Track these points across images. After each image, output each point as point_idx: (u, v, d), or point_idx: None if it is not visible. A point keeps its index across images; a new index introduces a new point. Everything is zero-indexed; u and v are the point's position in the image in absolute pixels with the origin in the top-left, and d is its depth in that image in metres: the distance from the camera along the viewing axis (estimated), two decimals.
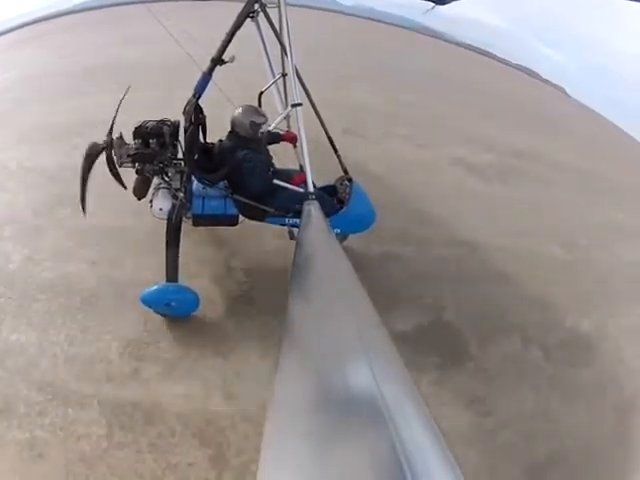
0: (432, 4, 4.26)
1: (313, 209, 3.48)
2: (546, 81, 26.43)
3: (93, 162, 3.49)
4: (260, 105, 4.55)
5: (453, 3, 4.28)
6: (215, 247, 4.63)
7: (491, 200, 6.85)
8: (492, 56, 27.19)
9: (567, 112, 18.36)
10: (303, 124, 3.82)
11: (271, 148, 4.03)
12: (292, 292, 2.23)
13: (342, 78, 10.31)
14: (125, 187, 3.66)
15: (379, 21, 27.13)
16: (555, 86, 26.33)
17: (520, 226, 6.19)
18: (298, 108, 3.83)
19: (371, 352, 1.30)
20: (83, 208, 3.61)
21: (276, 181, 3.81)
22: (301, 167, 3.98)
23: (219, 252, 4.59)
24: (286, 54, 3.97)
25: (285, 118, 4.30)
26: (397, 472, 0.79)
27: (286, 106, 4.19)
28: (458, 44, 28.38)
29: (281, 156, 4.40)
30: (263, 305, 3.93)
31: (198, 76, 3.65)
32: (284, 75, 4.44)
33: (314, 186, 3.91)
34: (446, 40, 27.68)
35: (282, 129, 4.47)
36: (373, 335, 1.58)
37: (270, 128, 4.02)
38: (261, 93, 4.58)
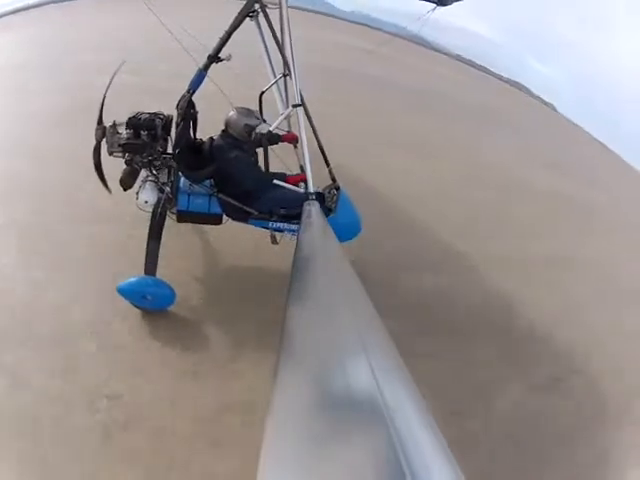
0: (434, 5, 4.37)
1: (313, 210, 3.57)
2: (537, 97, 27.24)
3: (100, 148, 3.57)
4: (261, 106, 4.63)
5: (454, 4, 4.40)
6: (206, 243, 4.74)
7: None
8: (485, 70, 27.91)
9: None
10: (304, 125, 3.96)
11: (271, 148, 4.09)
12: (291, 292, 2.29)
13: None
14: (107, 187, 3.71)
15: (373, 28, 27.61)
16: (545, 103, 27.17)
17: None
18: (299, 109, 3.95)
19: (371, 352, 1.32)
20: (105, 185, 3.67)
21: (276, 181, 3.90)
22: (301, 167, 4.04)
23: (211, 249, 4.70)
24: (283, 55, 4.11)
25: (286, 118, 4.36)
26: (397, 472, 0.80)
27: (287, 106, 4.24)
28: (449, 55, 29.06)
29: (282, 157, 4.48)
30: (261, 302, 4.02)
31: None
32: (285, 75, 4.50)
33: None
34: (438, 51, 28.34)
35: (283, 129, 4.53)
36: (373, 335, 1.61)
37: (271, 128, 4.11)
38: (262, 93, 4.69)
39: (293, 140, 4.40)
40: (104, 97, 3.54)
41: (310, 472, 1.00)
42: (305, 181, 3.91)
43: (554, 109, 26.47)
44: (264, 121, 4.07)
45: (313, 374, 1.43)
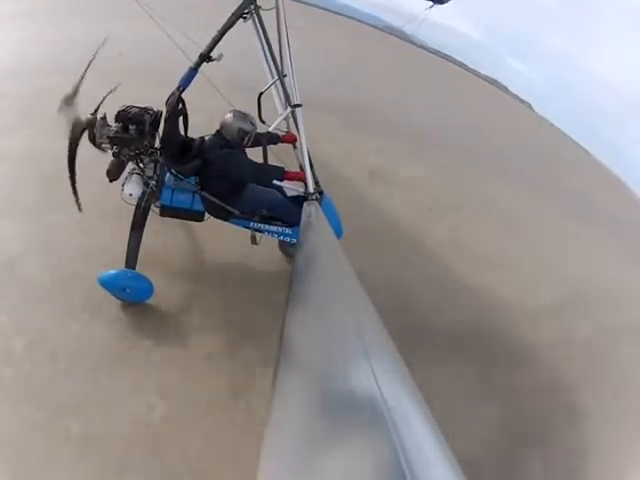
0: (430, 3, 4.53)
1: (314, 210, 3.77)
2: (514, 96, 28.23)
3: (77, 143, 3.69)
4: (260, 106, 4.88)
5: (450, 3, 4.53)
6: (192, 238, 4.98)
7: None
8: (464, 66, 28.64)
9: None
10: (303, 125, 4.19)
11: (271, 148, 4.32)
12: (292, 292, 2.42)
13: None
14: (73, 179, 3.78)
15: (351, 18, 27.77)
16: (522, 101, 28.21)
17: None
18: (298, 109, 4.20)
19: (372, 352, 1.33)
20: (77, 202, 3.81)
21: (276, 182, 4.16)
22: (301, 167, 4.30)
23: (196, 245, 4.94)
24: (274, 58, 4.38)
25: (285, 119, 4.59)
26: (397, 473, 0.82)
27: (286, 107, 4.47)
28: (427, 49, 29.54)
29: (282, 157, 4.72)
30: (260, 300, 4.29)
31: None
32: (284, 76, 4.64)
33: (285, 195, 4.29)
34: (418, 45, 28.76)
35: (282, 130, 4.75)
36: (374, 336, 1.66)
37: (270, 129, 4.36)
38: (260, 94, 4.91)
39: (292, 141, 4.63)
40: (82, 76, 3.73)
41: (310, 473, 1.04)
42: (304, 180, 4.14)
43: (530, 107, 27.57)
44: (263, 122, 4.27)
45: (313, 375, 1.48)
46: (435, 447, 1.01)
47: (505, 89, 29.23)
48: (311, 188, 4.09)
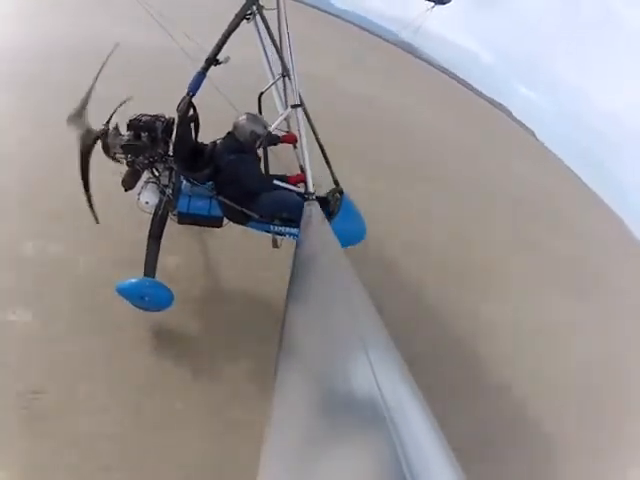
0: (432, 3, 4.58)
1: (314, 210, 3.76)
2: (518, 122, 28.54)
3: (90, 153, 3.69)
4: (260, 106, 4.88)
5: (451, 3, 4.58)
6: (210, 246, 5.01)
7: None
8: (468, 86, 29.04)
9: None
10: (303, 125, 4.19)
11: (271, 149, 4.31)
12: (291, 292, 2.40)
13: None
14: (88, 190, 3.79)
15: (363, 29, 28.27)
16: (525, 128, 28.49)
17: None
18: (298, 109, 4.20)
19: (372, 353, 1.34)
20: (93, 214, 3.83)
21: (276, 181, 4.11)
22: (301, 168, 4.28)
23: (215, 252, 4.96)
24: (281, 56, 4.41)
25: (285, 119, 4.59)
26: (397, 473, 0.83)
27: (286, 107, 4.49)
28: (433, 65, 30.02)
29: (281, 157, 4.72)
30: (260, 300, 4.36)
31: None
32: (284, 76, 4.68)
33: (300, 196, 4.22)
34: (425, 60, 29.23)
35: (282, 130, 4.74)
36: (374, 335, 1.67)
37: (270, 129, 4.32)
38: (261, 94, 4.91)
39: (292, 141, 4.62)
40: (93, 84, 3.78)
41: (310, 473, 1.04)
42: (304, 181, 4.12)
43: (534, 135, 27.89)
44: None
45: (313, 375, 1.49)
46: (435, 447, 1.02)
47: (509, 114, 29.61)
48: (311, 188, 4.06)
